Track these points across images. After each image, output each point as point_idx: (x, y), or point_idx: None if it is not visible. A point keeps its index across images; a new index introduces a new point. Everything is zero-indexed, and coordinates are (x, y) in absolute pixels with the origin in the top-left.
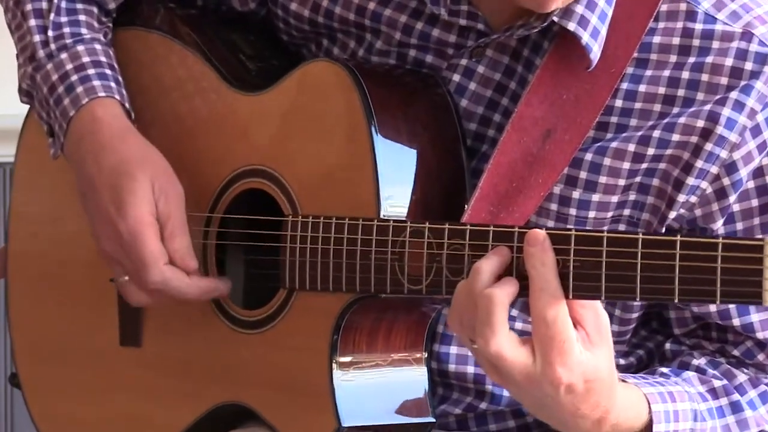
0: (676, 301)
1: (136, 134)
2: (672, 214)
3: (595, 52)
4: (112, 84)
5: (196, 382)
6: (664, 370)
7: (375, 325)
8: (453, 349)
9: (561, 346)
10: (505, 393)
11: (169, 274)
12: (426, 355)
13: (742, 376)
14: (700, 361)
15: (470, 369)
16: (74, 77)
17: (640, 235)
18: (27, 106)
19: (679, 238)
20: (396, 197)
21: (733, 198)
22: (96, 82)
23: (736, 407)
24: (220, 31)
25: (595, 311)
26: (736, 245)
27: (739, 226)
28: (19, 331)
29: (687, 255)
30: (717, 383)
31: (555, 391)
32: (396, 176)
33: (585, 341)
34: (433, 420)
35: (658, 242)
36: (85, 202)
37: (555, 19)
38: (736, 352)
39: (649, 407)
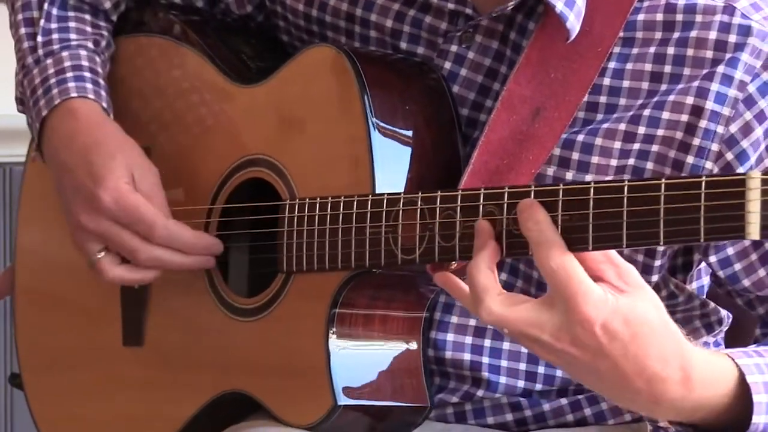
0: (662, 243)
1: (114, 124)
2: None
3: (572, 22)
4: (88, 85)
5: (196, 375)
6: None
7: (372, 303)
8: (450, 336)
9: (576, 287)
10: (501, 380)
11: (174, 227)
12: (422, 338)
13: None
14: None
15: (467, 356)
16: (53, 80)
17: (626, 182)
18: None
19: (663, 181)
20: (391, 177)
21: (742, 171)
22: (71, 84)
23: None
24: (222, 34)
25: (610, 261)
26: (718, 182)
27: None
28: (24, 338)
29: (671, 196)
30: None
31: (591, 336)
32: (391, 156)
33: (610, 291)
34: (429, 405)
35: (644, 187)
36: (61, 190)
37: None
38: None
39: (734, 362)
